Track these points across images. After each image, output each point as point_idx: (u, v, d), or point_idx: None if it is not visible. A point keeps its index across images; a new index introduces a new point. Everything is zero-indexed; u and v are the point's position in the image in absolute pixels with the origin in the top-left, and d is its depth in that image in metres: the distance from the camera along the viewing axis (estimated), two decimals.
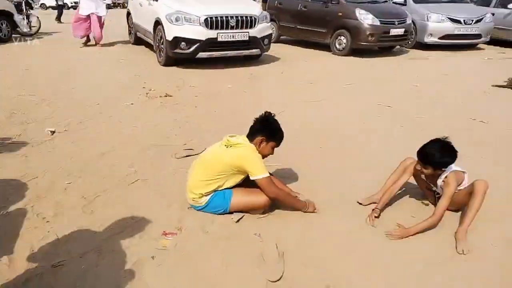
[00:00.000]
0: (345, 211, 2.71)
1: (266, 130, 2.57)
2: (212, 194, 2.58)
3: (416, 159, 2.54)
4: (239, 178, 2.59)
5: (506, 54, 9.33)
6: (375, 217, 2.57)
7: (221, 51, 7.22)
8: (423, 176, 2.65)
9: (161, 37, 7.21)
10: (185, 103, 5.20)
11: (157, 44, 7.54)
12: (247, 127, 4.24)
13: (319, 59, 8.61)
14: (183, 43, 6.88)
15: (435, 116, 4.72)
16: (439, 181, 2.53)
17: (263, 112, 2.66)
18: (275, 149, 2.67)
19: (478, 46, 10.38)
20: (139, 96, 5.52)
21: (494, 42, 10.40)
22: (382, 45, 9.23)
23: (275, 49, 9.32)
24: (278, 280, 2.05)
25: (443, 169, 2.47)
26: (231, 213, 2.62)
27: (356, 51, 8.92)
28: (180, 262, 2.20)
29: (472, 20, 9.54)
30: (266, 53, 8.12)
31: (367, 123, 4.50)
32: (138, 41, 9.58)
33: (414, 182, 2.84)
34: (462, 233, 2.33)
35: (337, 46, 9.09)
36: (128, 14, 9.93)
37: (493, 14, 10.05)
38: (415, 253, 2.28)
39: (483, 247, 2.32)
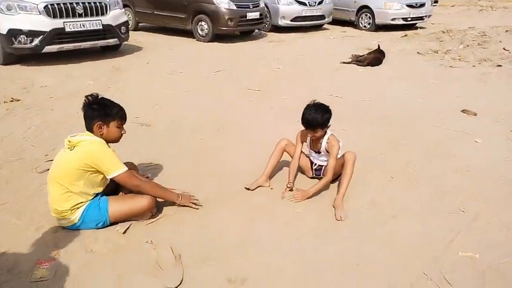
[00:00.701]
0: (235, 201, 2.77)
1: (97, 113, 2.30)
2: (83, 206, 2.32)
3: (289, 139, 2.87)
4: (99, 179, 2.33)
5: (347, 33, 10.66)
6: (290, 190, 2.83)
7: (73, 43, 6.48)
8: (307, 148, 2.91)
9: None
10: (39, 107, 4.55)
11: None
12: None
13: (184, 47, 8.46)
14: (22, 36, 5.94)
15: (299, 96, 5.13)
16: (323, 145, 2.82)
17: (85, 97, 2.36)
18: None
19: (323, 26, 11.59)
20: None
21: (336, 22, 11.75)
22: (242, 30, 9.53)
23: (135, 37, 8.82)
24: (178, 285, 1.99)
25: (328, 125, 2.75)
26: (115, 223, 2.43)
27: (219, 37, 9.04)
28: None
29: (315, 2, 10.55)
30: (126, 42, 7.61)
31: (241, 109, 4.65)
32: None
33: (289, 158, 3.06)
34: (339, 201, 2.64)
35: (200, 32, 9.05)
36: None
37: None
38: (304, 225, 2.49)
39: (355, 210, 2.65)
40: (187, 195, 2.63)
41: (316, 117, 2.65)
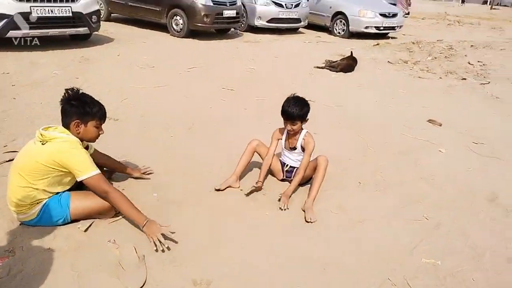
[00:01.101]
0: (204, 202, 2.71)
1: (75, 109, 2.16)
2: (43, 202, 2.19)
3: (260, 140, 2.92)
4: (67, 179, 2.23)
5: (321, 38, 10.80)
6: (258, 188, 2.81)
7: (40, 29, 6.15)
8: (282, 144, 2.93)
9: None
10: (0, 95, 4.30)
11: None
12: None
13: (157, 41, 8.28)
14: None
15: (272, 97, 5.13)
16: (299, 141, 2.85)
17: (65, 90, 2.22)
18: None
19: (299, 30, 11.69)
20: None
21: (311, 26, 11.89)
22: (218, 27, 9.43)
23: (107, 28, 8.55)
24: (142, 287, 1.93)
25: (307, 119, 2.78)
26: (76, 221, 2.32)
27: (194, 33, 8.92)
28: None
29: (292, 4, 10.62)
30: (96, 32, 7.35)
31: (214, 108, 4.59)
32: None
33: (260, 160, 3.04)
34: (309, 204, 2.66)
35: (174, 27, 8.89)
36: None
37: (307, 0, 11.41)
38: (272, 227, 2.48)
39: (324, 213, 2.67)
40: (155, 225, 2.20)
41: (296, 109, 2.69)
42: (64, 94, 2.23)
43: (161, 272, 2.04)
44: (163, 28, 9.11)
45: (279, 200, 2.70)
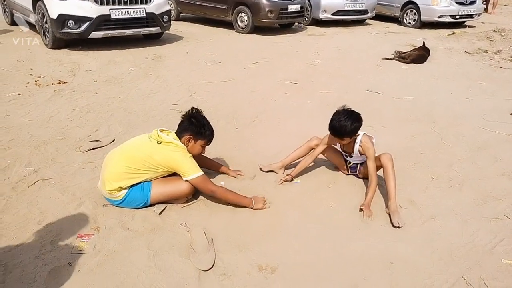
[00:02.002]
0: (267, 192, 2.76)
1: (192, 127, 2.47)
2: (130, 188, 2.42)
3: (321, 137, 2.80)
4: (166, 174, 2.49)
5: (390, 29, 10.33)
6: (286, 180, 2.79)
7: (117, 29, 6.68)
8: (339, 147, 2.83)
9: (43, 15, 6.38)
10: (84, 90, 4.73)
11: (40, 24, 6.66)
12: (158, 112, 4.06)
13: (223, 38, 8.51)
14: (71, 21, 6.19)
15: (337, 90, 5.05)
16: (356, 147, 2.72)
17: (189, 109, 2.56)
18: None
19: (366, 22, 11.29)
20: (27, 84, 4.85)
21: (379, 17, 11.41)
22: (281, 22, 9.45)
23: (176, 27, 8.97)
24: (210, 269, 2.02)
25: (358, 134, 2.65)
26: (151, 205, 2.49)
27: (258, 29, 9.02)
28: (102, 264, 2.03)
29: None
30: (167, 31, 7.75)
31: (278, 101, 4.62)
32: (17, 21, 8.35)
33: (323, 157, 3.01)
34: (394, 207, 2.45)
35: (239, 23, 9.07)
36: None
37: None
38: (336, 219, 2.45)
39: None
40: (260, 198, 2.57)
41: (345, 126, 2.52)
42: (188, 110, 2.56)
43: (229, 256, 2.12)
44: (229, 25, 9.34)
45: (360, 210, 2.50)
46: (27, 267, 1.99)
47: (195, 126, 2.47)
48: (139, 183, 2.44)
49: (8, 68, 5.47)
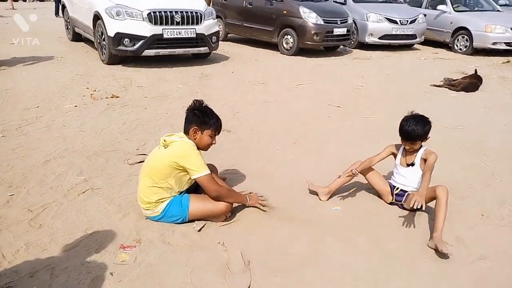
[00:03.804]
0: (306, 215, 2.74)
1: (195, 118, 2.47)
2: (167, 201, 2.48)
3: (362, 160, 2.83)
4: (186, 178, 2.48)
5: (439, 55, 10.04)
6: (353, 174, 2.79)
7: (168, 48, 6.99)
8: (398, 160, 2.80)
9: (102, 33, 6.82)
10: (134, 105, 4.98)
11: (98, 41, 7.12)
12: None
13: (268, 59, 8.67)
14: (126, 39, 6.56)
15: (382, 115, 4.95)
16: (419, 157, 2.70)
17: (192, 101, 2.58)
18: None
19: (414, 46, 11.06)
20: (83, 97, 5.18)
21: (428, 42, 11.14)
22: (327, 45, 9.48)
23: (224, 47, 9.25)
24: None
25: (428, 137, 2.66)
26: (191, 221, 2.54)
27: (303, 51, 9.10)
28: (142, 276, 2.09)
29: (407, 21, 10.11)
30: (215, 51, 8.01)
31: (320, 124, 4.61)
32: (77, 37, 9.00)
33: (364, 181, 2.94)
34: (439, 237, 2.35)
35: (285, 45, 9.20)
36: (64, 7, 9.28)
37: (425, 15, 10.76)
38: (379, 251, 2.37)
39: None
40: (253, 196, 2.71)
41: (417, 129, 2.56)
42: (191, 104, 2.57)
43: (264, 280, 2.11)
44: (274, 46, 9.50)
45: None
46: (72, 273, 2.08)
47: (198, 117, 2.47)
48: (177, 197, 2.49)
49: (67, 82, 5.88)
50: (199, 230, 2.49)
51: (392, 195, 2.84)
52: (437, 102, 5.72)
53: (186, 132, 2.52)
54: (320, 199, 2.90)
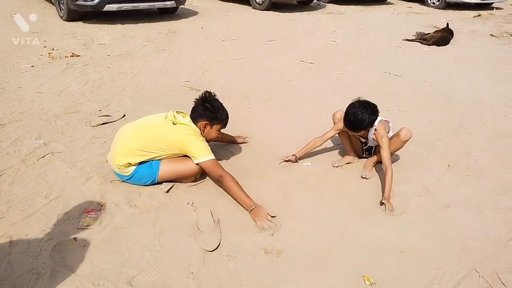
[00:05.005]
0: (277, 174, 2.70)
1: (207, 113, 2.41)
2: (139, 164, 2.39)
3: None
4: (177, 156, 2.44)
5: (413, 9, 9.93)
6: (291, 161, 2.73)
7: (132, 3, 6.60)
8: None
9: None
10: (96, 64, 4.70)
11: None
12: (169, 89, 4.01)
13: (239, 14, 8.32)
14: None
15: (354, 71, 4.89)
16: (370, 135, 2.62)
17: (203, 93, 2.49)
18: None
19: (388, 1, 10.88)
20: (41, 57, 4.84)
21: None
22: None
23: (192, 2, 8.81)
24: (215, 249, 1.99)
25: (374, 125, 2.54)
26: (159, 183, 2.47)
27: (275, 6, 8.78)
28: (107, 240, 2.03)
29: None
30: (182, 6, 7.61)
31: (292, 81, 4.50)
32: None
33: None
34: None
35: (257, 0, 8.84)
36: None
37: None
38: (347, 204, 2.38)
39: (405, 195, 2.50)
40: (263, 209, 2.24)
41: (362, 120, 2.40)
42: (201, 94, 2.48)
43: (235, 237, 2.09)
44: (245, 1, 9.12)
45: (381, 203, 2.37)
46: (33, 240, 1.99)
47: (210, 111, 2.41)
48: (148, 160, 2.40)
49: (22, 40, 5.45)
50: (167, 191, 2.42)
51: (362, 149, 2.84)
52: (408, 56, 5.69)
53: (194, 121, 2.43)
54: (355, 162, 2.83)
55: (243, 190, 2.32)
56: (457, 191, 2.55)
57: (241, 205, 2.31)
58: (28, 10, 7.25)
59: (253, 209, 2.24)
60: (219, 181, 2.39)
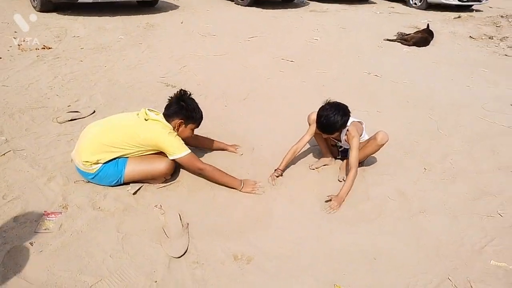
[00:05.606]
0: (250, 176, 2.61)
1: (183, 111, 2.33)
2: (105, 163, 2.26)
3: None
4: (148, 153, 2.33)
5: (395, 9, 9.99)
6: (276, 176, 2.55)
7: None
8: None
9: None
10: (68, 57, 4.50)
11: None
12: (144, 85, 3.86)
13: (221, 9, 8.18)
14: None
15: (334, 70, 4.84)
16: (343, 136, 2.56)
17: (178, 91, 2.40)
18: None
19: (371, 0, 10.91)
20: (10, 48, 4.62)
21: None
22: None
23: None
24: (182, 256, 1.89)
25: (346, 126, 2.49)
26: (126, 184, 2.34)
27: (258, 2, 8.68)
28: (66, 245, 1.91)
29: None
30: None
31: (271, 79, 4.42)
32: None
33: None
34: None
35: None
36: None
37: None
38: (321, 209, 2.32)
39: (380, 199, 2.45)
40: (251, 182, 2.46)
41: (334, 123, 2.36)
42: (177, 92, 2.40)
43: (203, 243, 1.99)
44: None
45: (327, 201, 2.35)
46: None
47: (186, 110, 2.33)
48: (115, 158, 2.28)
49: None
50: (134, 193, 2.30)
51: (338, 151, 2.78)
52: (389, 56, 5.69)
53: (168, 119, 2.34)
54: (332, 164, 2.77)
55: (226, 174, 2.40)
56: (433, 195, 2.52)
57: (230, 187, 2.40)
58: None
59: (242, 186, 2.40)
60: (200, 174, 2.38)
